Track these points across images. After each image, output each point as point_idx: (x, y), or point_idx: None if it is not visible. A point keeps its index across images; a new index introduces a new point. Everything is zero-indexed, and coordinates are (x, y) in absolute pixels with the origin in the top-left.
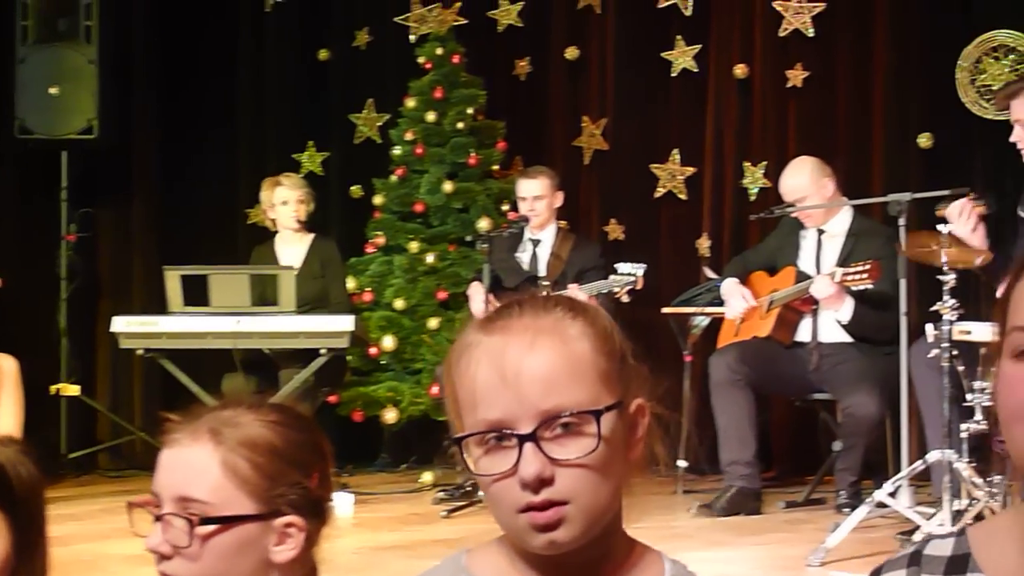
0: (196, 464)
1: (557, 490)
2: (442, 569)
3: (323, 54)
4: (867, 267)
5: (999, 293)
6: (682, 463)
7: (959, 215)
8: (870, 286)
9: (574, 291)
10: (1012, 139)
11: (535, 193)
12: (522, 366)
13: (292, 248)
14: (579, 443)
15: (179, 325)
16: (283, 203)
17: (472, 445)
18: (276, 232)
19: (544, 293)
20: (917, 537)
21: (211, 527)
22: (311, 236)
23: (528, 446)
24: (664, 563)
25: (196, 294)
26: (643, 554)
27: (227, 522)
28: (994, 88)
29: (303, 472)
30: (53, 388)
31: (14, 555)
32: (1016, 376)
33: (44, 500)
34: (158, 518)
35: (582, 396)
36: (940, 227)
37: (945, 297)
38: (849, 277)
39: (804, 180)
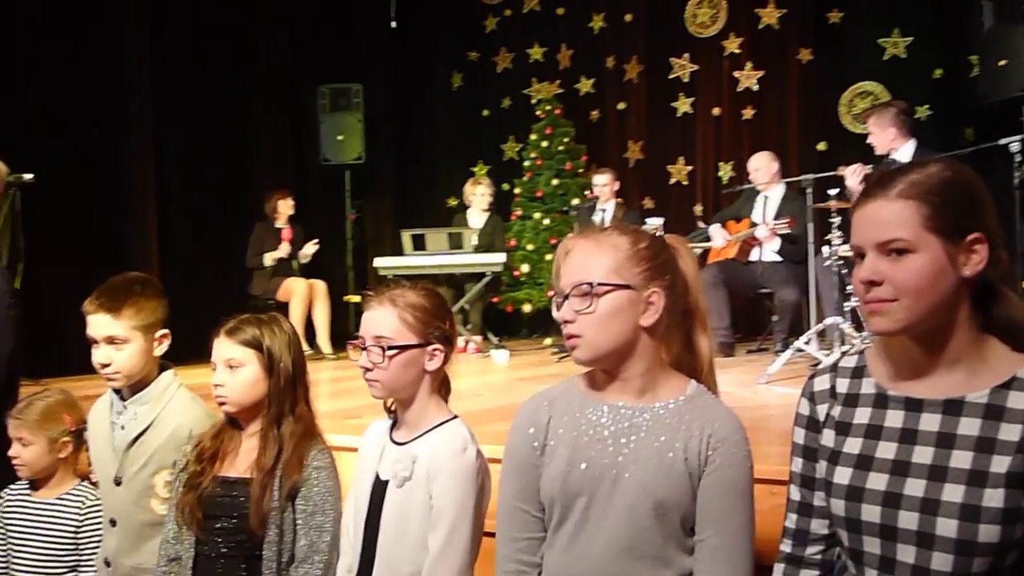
0: (390, 316)
1: (574, 327)
2: (562, 384)
3: (485, 112)
4: (788, 221)
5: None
6: None
7: (853, 173)
8: (790, 231)
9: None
10: (868, 141)
11: (604, 183)
12: (569, 253)
13: (478, 217)
14: (587, 302)
15: (411, 261)
16: (475, 194)
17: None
18: (468, 208)
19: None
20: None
21: (394, 351)
22: (488, 213)
23: (566, 302)
24: (689, 384)
25: (419, 244)
26: (686, 382)
27: (402, 348)
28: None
29: (442, 320)
30: (345, 298)
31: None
32: (856, 271)
33: (303, 362)
34: (364, 349)
35: (596, 276)
36: (831, 191)
37: (834, 230)
38: (778, 227)
39: (765, 160)
